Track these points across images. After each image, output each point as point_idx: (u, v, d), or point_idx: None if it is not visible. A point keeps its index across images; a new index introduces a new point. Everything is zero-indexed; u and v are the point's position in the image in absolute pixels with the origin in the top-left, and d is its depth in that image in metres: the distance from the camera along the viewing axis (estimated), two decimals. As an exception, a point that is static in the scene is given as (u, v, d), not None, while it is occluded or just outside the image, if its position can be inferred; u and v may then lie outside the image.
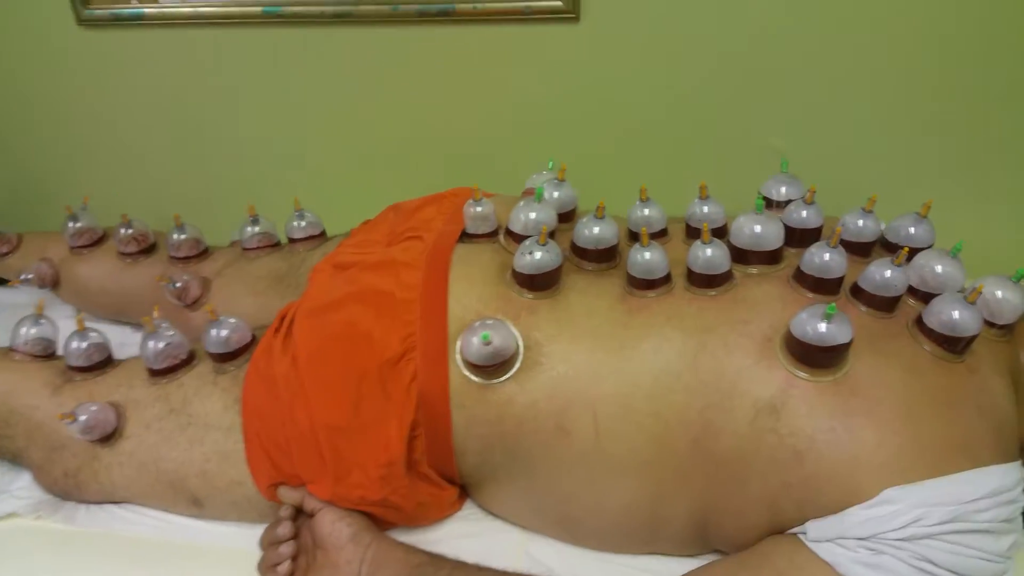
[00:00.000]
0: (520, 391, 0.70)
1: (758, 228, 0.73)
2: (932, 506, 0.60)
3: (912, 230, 0.77)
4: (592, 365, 0.70)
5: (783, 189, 0.85)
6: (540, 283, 0.74)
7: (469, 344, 0.69)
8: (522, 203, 0.79)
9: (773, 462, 0.64)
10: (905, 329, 0.69)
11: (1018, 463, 0.65)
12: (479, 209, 0.81)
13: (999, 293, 0.71)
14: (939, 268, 0.71)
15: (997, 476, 0.62)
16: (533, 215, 0.78)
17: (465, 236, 0.83)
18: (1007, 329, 0.72)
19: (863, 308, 0.70)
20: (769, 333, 0.68)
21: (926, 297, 0.71)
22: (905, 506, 0.60)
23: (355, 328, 0.74)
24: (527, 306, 0.74)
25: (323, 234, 1.02)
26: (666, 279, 0.73)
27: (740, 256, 0.75)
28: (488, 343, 0.67)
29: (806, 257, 0.71)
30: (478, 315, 0.73)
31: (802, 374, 0.65)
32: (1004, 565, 0.61)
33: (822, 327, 0.63)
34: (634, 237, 0.82)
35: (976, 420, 0.64)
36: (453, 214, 0.85)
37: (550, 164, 0.95)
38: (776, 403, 0.65)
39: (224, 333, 0.79)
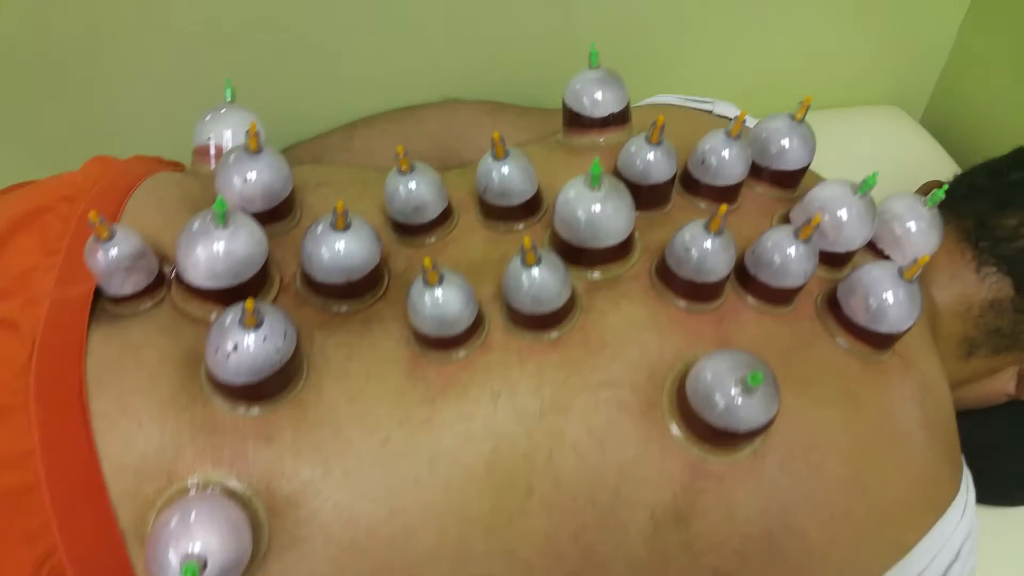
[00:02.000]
0: None
1: (597, 208, 0.45)
2: None
3: (786, 143, 0.53)
4: (391, 514, 0.42)
5: (599, 96, 0.56)
6: (269, 389, 0.42)
7: None
8: (197, 225, 0.44)
9: None
10: (813, 317, 0.48)
11: (963, 466, 0.49)
12: (113, 252, 0.44)
13: (912, 226, 0.51)
14: (843, 214, 0.49)
15: (958, 511, 0.46)
16: (218, 248, 0.44)
17: (101, 297, 0.47)
18: None
19: (751, 300, 0.48)
20: (650, 395, 0.44)
21: (827, 256, 0.50)
22: None
23: None
24: (254, 431, 0.42)
25: None
26: (476, 324, 0.45)
27: (574, 255, 0.47)
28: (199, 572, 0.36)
29: (677, 252, 0.45)
30: (166, 476, 0.41)
31: (711, 456, 0.42)
32: None
33: (739, 404, 0.39)
34: (404, 231, 0.51)
35: (927, 443, 0.46)
36: (70, 252, 0.47)
37: (228, 92, 0.57)
38: (681, 507, 0.42)
39: None
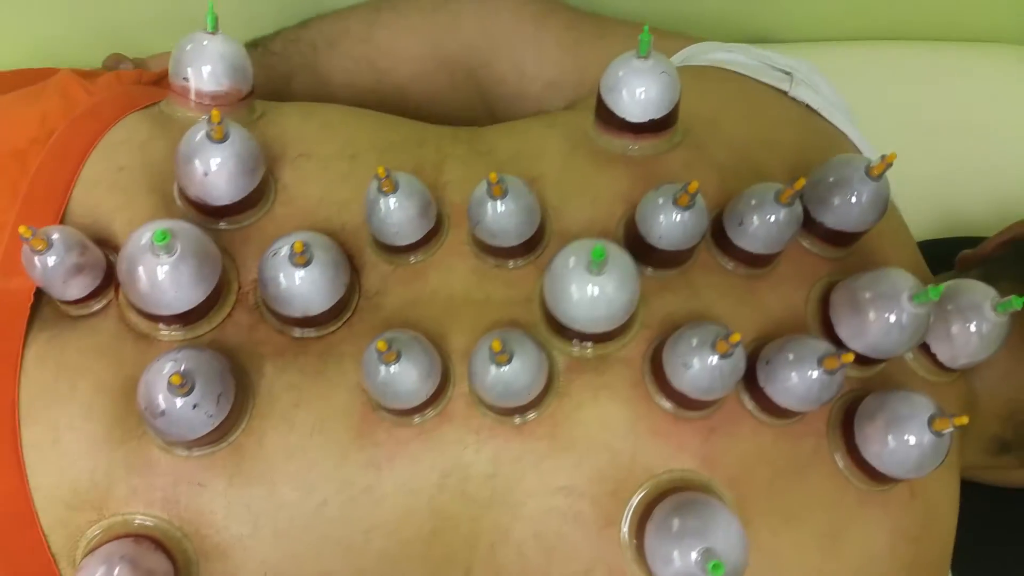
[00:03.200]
0: None
1: (594, 292, 0.38)
2: None
3: (853, 199, 0.44)
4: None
5: (640, 94, 0.46)
6: (202, 441, 0.40)
7: None
8: (142, 244, 0.39)
9: None
10: (821, 433, 0.42)
11: None
12: (51, 262, 0.39)
13: (972, 328, 0.43)
14: (892, 317, 0.41)
15: None
16: (163, 278, 0.39)
17: (44, 299, 0.43)
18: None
19: (752, 407, 0.42)
20: (611, 511, 0.40)
21: (860, 356, 0.43)
22: None
23: None
24: (187, 475, 0.40)
25: None
26: (438, 389, 0.41)
27: (558, 326, 0.41)
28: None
29: (674, 361, 0.39)
30: (97, 511, 0.39)
31: None
32: None
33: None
34: (384, 245, 0.45)
35: None
36: (15, 235, 0.42)
37: (210, 20, 0.48)
38: None
39: None
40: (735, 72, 0.55)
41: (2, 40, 0.77)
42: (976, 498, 0.55)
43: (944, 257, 0.60)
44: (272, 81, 0.65)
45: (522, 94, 0.64)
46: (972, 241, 0.59)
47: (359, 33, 0.66)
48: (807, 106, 0.54)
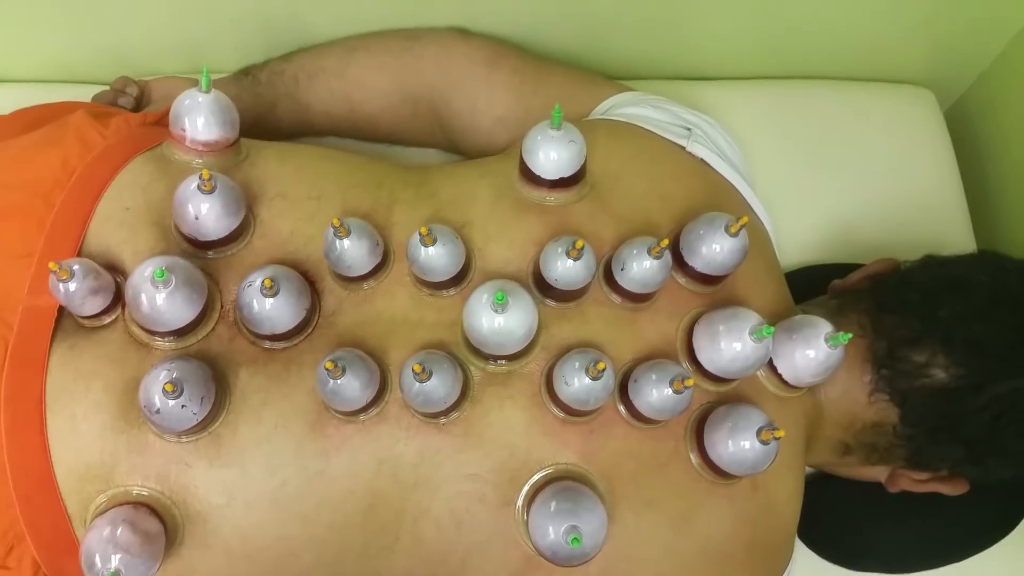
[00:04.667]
0: (191, 570, 0.53)
1: (499, 324, 0.49)
2: None
3: (717, 248, 0.54)
4: (279, 539, 0.52)
5: (553, 156, 0.56)
6: (189, 432, 0.50)
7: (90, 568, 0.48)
8: (146, 275, 0.49)
9: None
10: (680, 436, 0.53)
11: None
12: (72, 287, 0.50)
13: (811, 353, 0.54)
14: (738, 346, 0.52)
15: None
16: (160, 304, 0.49)
17: (64, 313, 0.53)
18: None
19: (625, 414, 0.53)
20: (508, 494, 0.51)
21: (711, 376, 0.54)
22: None
23: None
24: (176, 457, 0.51)
25: None
26: (377, 395, 0.51)
27: (474, 348, 0.52)
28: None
29: (558, 380, 0.50)
30: (105, 482, 0.50)
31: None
32: None
33: (560, 548, 0.47)
34: (343, 279, 0.55)
35: (744, 565, 0.54)
36: (41, 262, 0.53)
37: (204, 81, 0.58)
38: None
39: None
40: (642, 129, 0.65)
41: (17, 55, 0.87)
42: (829, 487, 0.67)
43: (826, 280, 0.70)
44: (260, 106, 0.75)
45: (474, 126, 0.74)
46: (853, 268, 0.70)
47: (335, 70, 0.76)
48: (701, 160, 0.64)
